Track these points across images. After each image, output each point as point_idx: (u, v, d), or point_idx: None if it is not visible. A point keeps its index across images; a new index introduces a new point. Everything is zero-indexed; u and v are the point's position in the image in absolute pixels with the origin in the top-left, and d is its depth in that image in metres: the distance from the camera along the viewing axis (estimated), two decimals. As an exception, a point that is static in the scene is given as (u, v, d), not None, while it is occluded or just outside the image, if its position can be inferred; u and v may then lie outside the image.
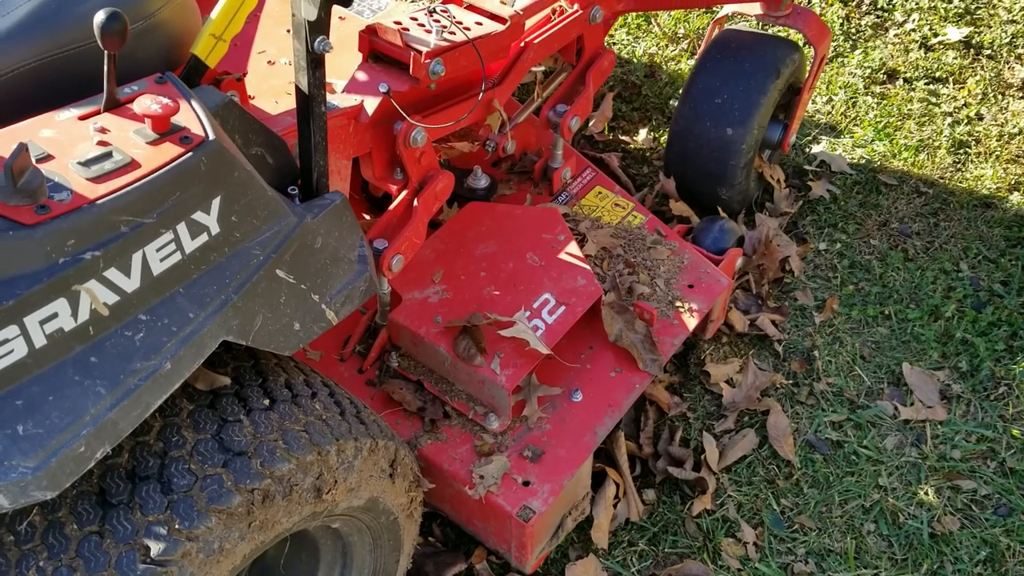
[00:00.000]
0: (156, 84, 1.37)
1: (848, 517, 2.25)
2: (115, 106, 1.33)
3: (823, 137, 3.22)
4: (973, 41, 3.54)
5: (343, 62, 2.04)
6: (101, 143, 1.26)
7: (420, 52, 1.86)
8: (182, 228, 1.27)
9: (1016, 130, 3.22)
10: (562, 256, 2.23)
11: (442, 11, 1.98)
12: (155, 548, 1.27)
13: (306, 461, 1.42)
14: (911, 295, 2.73)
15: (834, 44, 3.55)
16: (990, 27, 3.59)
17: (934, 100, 3.34)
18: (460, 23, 1.97)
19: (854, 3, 3.70)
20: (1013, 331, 2.62)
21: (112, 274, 1.20)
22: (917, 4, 3.68)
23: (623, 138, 3.20)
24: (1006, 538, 2.20)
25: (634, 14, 3.68)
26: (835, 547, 2.20)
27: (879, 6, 3.69)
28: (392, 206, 2.04)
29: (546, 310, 2.12)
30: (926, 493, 2.29)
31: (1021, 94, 3.37)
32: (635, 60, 3.53)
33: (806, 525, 2.23)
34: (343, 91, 1.93)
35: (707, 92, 2.63)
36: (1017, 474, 2.32)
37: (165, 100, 1.29)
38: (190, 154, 1.26)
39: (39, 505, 1.31)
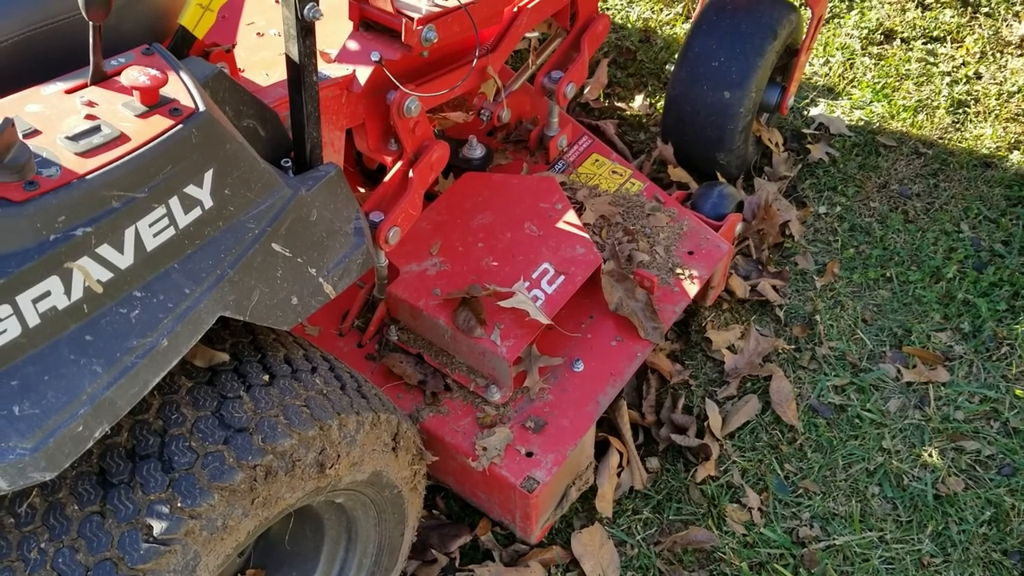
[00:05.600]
0: (143, 56, 1.34)
1: (852, 480, 2.25)
2: (102, 79, 1.30)
3: (821, 99, 3.19)
4: (971, -1, 3.50)
5: (334, 31, 2.01)
6: (89, 117, 1.23)
7: (412, 19, 1.82)
8: (175, 202, 1.24)
9: (1015, 88, 3.19)
10: (560, 225, 2.21)
11: (433, -24, 1.94)
12: (158, 527, 1.26)
13: (308, 436, 1.40)
14: (912, 257, 2.71)
15: (830, 4, 3.51)
16: (988, -16, 3.55)
17: (932, 60, 3.31)
18: (452, -12, 1.93)
19: (850, -37, 3.66)
20: (1015, 291, 2.60)
21: (105, 250, 1.18)
22: (913, -37, 3.63)
23: (619, 105, 3.16)
24: (1010, 498, 2.20)
25: (627, -21, 3.63)
26: (840, 510, 2.19)
27: (875, -35, 3.64)
28: (387, 178, 2.01)
29: (545, 280, 2.10)
30: (930, 455, 2.28)
31: (1020, 52, 3.34)
32: (629, 25, 3.48)
33: (810, 489, 2.23)
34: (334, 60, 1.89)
35: (703, 55, 2.60)
36: (1021, 434, 2.31)
37: (153, 71, 1.26)
38: (180, 126, 1.23)
39: (39, 486, 1.30)
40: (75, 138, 1.19)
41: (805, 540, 2.14)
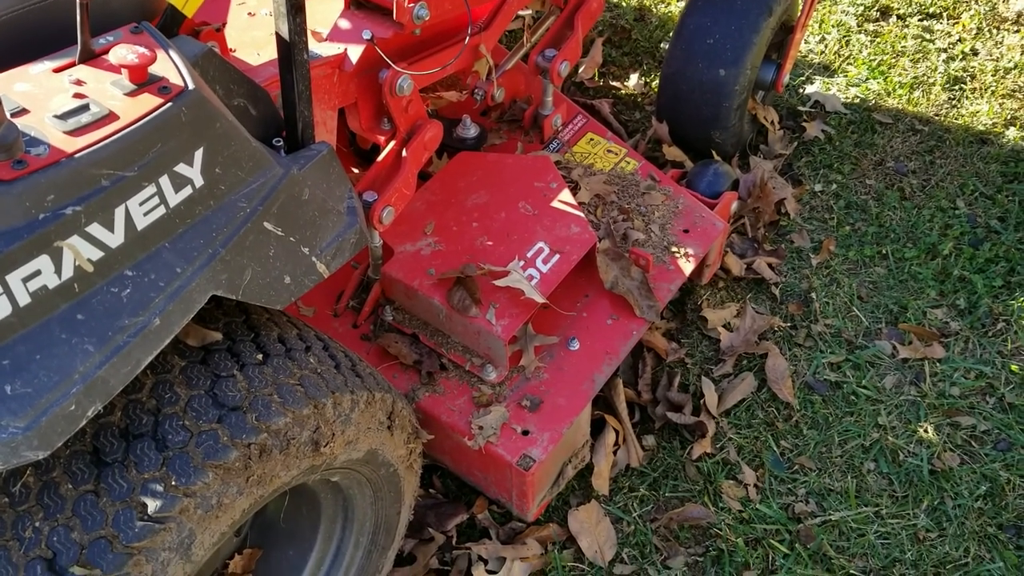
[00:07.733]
0: (132, 34, 1.33)
1: (848, 456, 2.25)
2: (90, 57, 1.29)
3: (817, 77, 3.17)
4: (967, -25, 3.48)
5: (325, 10, 1.99)
6: (77, 95, 1.22)
7: (403, -3, 1.81)
8: (165, 181, 1.24)
9: (1011, 64, 3.18)
10: (555, 204, 2.20)
11: (425, -46, 1.93)
12: (152, 505, 1.26)
13: (302, 414, 1.40)
14: (908, 234, 2.71)
15: (826, -18, 3.49)
16: (984, -40, 3.53)
17: (928, 36, 3.29)
18: (444, -34, 1.92)
19: (846, -61, 3.63)
20: (1011, 267, 2.60)
21: (95, 229, 1.17)
22: (910, -62, 3.61)
23: (614, 84, 3.15)
24: (1006, 472, 2.20)
25: (622, -43, 3.61)
26: (836, 486, 2.20)
27: (871, -58, 3.62)
28: (380, 157, 2.01)
29: (540, 259, 2.09)
30: (926, 430, 2.29)
31: (1016, 28, 3.32)
32: (624, 4, 3.47)
33: (806, 465, 2.24)
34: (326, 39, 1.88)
35: (698, 32, 2.58)
36: (1016, 409, 2.32)
37: (142, 49, 1.25)
38: (170, 104, 1.23)
39: (32, 466, 1.30)
40: (64, 117, 1.19)
41: (801, 516, 2.15)
